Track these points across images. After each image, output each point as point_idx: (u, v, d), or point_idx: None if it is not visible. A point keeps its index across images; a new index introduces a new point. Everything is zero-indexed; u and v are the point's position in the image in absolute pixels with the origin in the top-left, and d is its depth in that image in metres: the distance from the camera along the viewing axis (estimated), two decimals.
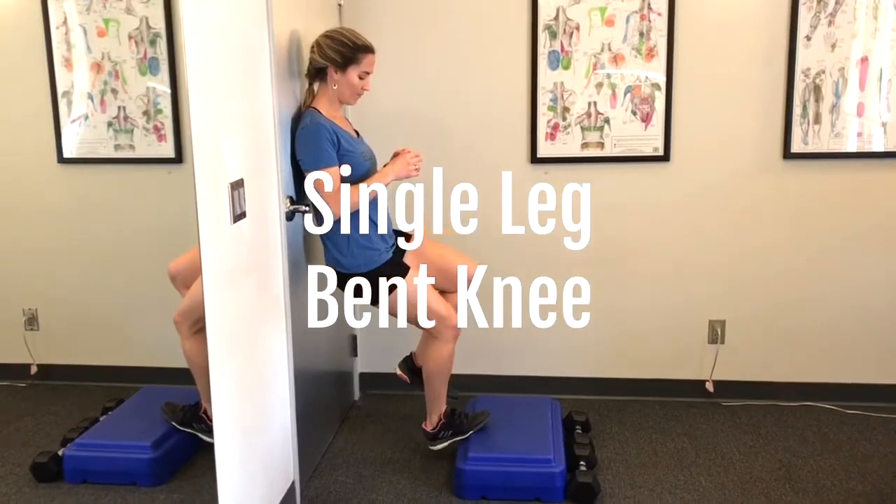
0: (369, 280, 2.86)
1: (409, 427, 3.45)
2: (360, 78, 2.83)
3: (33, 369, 2.33)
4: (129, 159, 2.29)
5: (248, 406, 2.47)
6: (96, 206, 2.30)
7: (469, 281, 3.06)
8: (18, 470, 2.21)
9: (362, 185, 2.80)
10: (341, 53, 2.77)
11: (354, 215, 2.83)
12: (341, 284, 2.93)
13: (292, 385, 2.83)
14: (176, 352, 2.33)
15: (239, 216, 2.35)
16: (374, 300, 2.90)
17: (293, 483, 2.87)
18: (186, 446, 2.47)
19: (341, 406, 3.57)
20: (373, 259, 2.85)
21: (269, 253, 2.64)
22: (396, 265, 2.90)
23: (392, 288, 2.85)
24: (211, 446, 2.22)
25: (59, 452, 2.27)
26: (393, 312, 2.94)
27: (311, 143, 2.74)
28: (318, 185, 2.74)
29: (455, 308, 3.04)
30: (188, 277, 2.26)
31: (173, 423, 2.45)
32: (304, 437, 2.94)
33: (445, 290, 3.06)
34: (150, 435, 2.42)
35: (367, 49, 2.81)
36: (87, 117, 2.24)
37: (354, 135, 2.96)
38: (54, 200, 2.26)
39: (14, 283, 2.27)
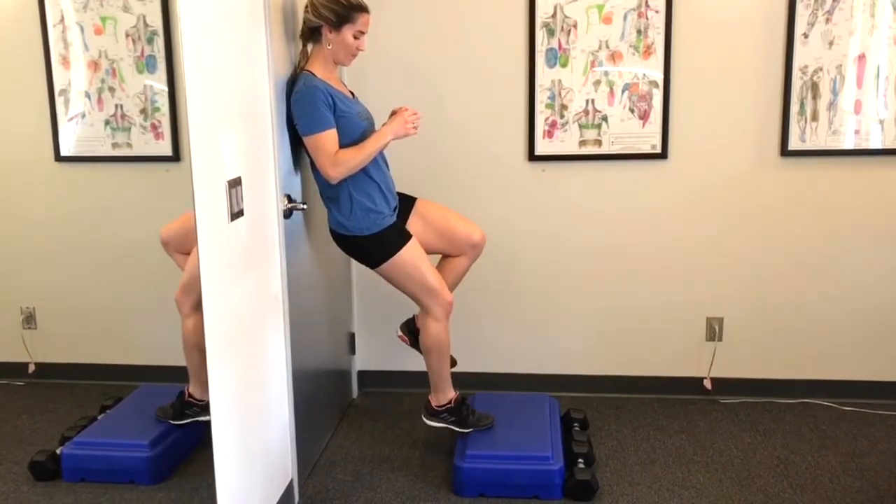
0: (371, 243, 2.85)
1: (407, 425, 3.45)
2: (355, 38, 2.80)
3: (31, 368, 2.32)
4: (127, 157, 2.29)
5: (247, 404, 2.47)
6: (94, 204, 2.29)
7: (474, 247, 3.06)
8: (17, 468, 2.21)
9: (360, 146, 2.78)
10: (336, 12, 2.74)
11: (357, 177, 2.81)
12: (343, 246, 2.93)
13: (290, 383, 2.83)
14: (173, 350, 2.33)
15: (237, 214, 2.35)
16: (373, 263, 2.90)
17: (291, 481, 2.87)
18: (185, 444, 2.47)
19: (339, 404, 3.57)
20: (376, 222, 2.84)
21: (268, 251, 2.64)
22: (399, 231, 2.89)
23: (391, 254, 2.84)
24: (209, 444, 2.22)
25: (58, 451, 2.27)
26: (388, 278, 2.93)
27: (306, 107, 2.71)
28: (316, 148, 2.73)
29: (458, 274, 3.04)
30: (181, 243, 2.24)
31: (170, 421, 2.45)
32: (302, 434, 2.94)
33: (449, 254, 3.05)
34: (148, 433, 2.41)
35: (362, 8, 2.78)
36: (84, 115, 2.24)
37: (350, 95, 2.94)
38: (52, 199, 2.26)
39: (12, 282, 2.27)
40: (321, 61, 2.81)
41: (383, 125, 2.88)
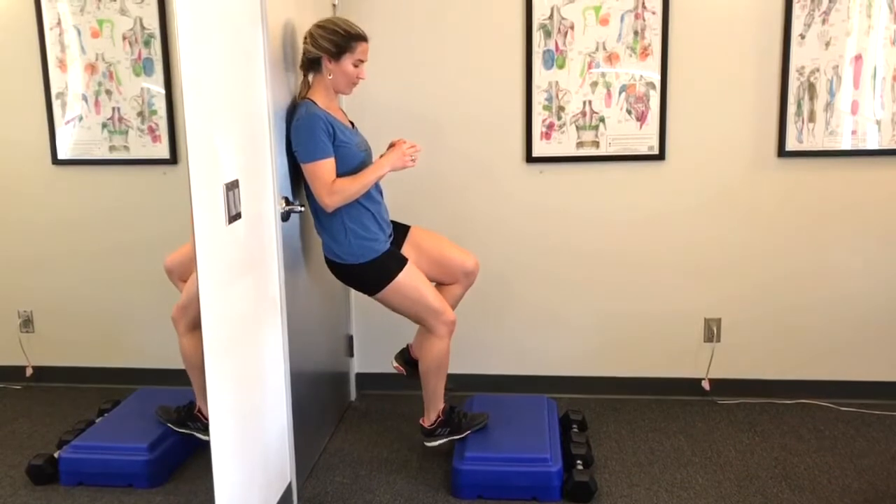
0: (366, 271, 2.85)
1: (405, 427, 3.45)
2: (355, 66, 2.81)
3: (29, 371, 2.32)
4: (124, 160, 2.29)
5: (245, 407, 2.47)
6: (91, 207, 2.29)
7: (468, 275, 3.06)
8: (14, 472, 2.21)
9: (358, 176, 2.78)
10: (334, 42, 2.76)
11: (352, 206, 2.82)
12: (339, 275, 2.93)
13: (289, 385, 2.82)
14: (171, 353, 2.32)
15: (234, 217, 2.35)
16: (371, 291, 2.89)
17: (290, 484, 2.87)
18: (183, 448, 2.47)
19: (338, 406, 3.57)
20: (371, 249, 2.84)
21: (265, 254, 2.64)
22: (394, 256, 2.89)
23: (389, 279, 2.84)
24: (207, 447, 2.22)
25: (55, 455, 2.26)
26: (388, 304, 2.93)
27: (306, 134, 2.72)
28: (313, 176, 2.73)
29: (453, 300, 3.04)
30: (185, 271, 2.25)
31: (169, 424, 2.45)
32: (300, 437, 2.94)
33: (443, 282, 3.05)
34: (146, 437, 2.41)
35: (361, 37, 2.80)
36: (81, 118, 2.24)
37: (349, 125, 2.95)
38: (49, 202, 2.25)
39: (9, 285, 2.27)
40: (322, 90, 2.83)
41: (381, 156, 2.89)
